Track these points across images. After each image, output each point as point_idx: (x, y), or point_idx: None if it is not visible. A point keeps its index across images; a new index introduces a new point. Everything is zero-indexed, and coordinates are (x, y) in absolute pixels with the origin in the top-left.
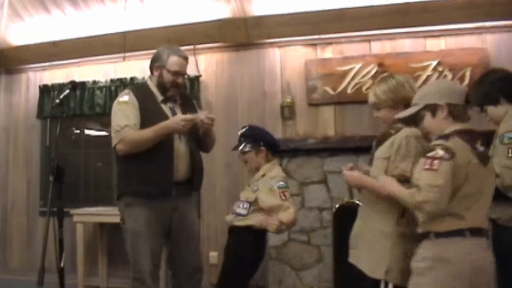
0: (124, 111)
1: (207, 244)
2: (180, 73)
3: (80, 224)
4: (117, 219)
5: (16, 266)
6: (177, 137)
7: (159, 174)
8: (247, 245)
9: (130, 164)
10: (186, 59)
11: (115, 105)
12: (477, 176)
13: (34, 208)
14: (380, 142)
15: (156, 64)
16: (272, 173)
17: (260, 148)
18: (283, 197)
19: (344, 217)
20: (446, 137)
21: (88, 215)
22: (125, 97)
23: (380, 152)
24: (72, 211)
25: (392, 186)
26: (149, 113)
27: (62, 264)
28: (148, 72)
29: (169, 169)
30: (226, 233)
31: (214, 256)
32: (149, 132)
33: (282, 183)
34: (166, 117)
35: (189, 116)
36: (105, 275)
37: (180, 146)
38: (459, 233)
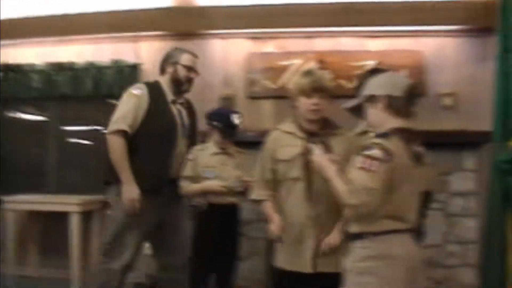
0: (130, 107)
1: None
2: (193, 68)
3: (11, 212)
4: (49, 208)
5: None
6: (180, 135)
7: (155, 170)
8: None
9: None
10: (196, 57)
11: (125, 95)
12: (413, 177)
13: None
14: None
15: (169, 61)
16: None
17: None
18: None
19: None
20: (385, 135)
21: (20, 203)
22: (138, 90)
23: None
24: (3, 198)
25: (331, 172)
26: (158, 111)
27: None
28: (87, 58)
29: (166, 167)
30: None
31: None
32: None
33: None
34: (173, 118)
35: None
36: (37, 265)
37: (181, 142)
38: (396, 231)
